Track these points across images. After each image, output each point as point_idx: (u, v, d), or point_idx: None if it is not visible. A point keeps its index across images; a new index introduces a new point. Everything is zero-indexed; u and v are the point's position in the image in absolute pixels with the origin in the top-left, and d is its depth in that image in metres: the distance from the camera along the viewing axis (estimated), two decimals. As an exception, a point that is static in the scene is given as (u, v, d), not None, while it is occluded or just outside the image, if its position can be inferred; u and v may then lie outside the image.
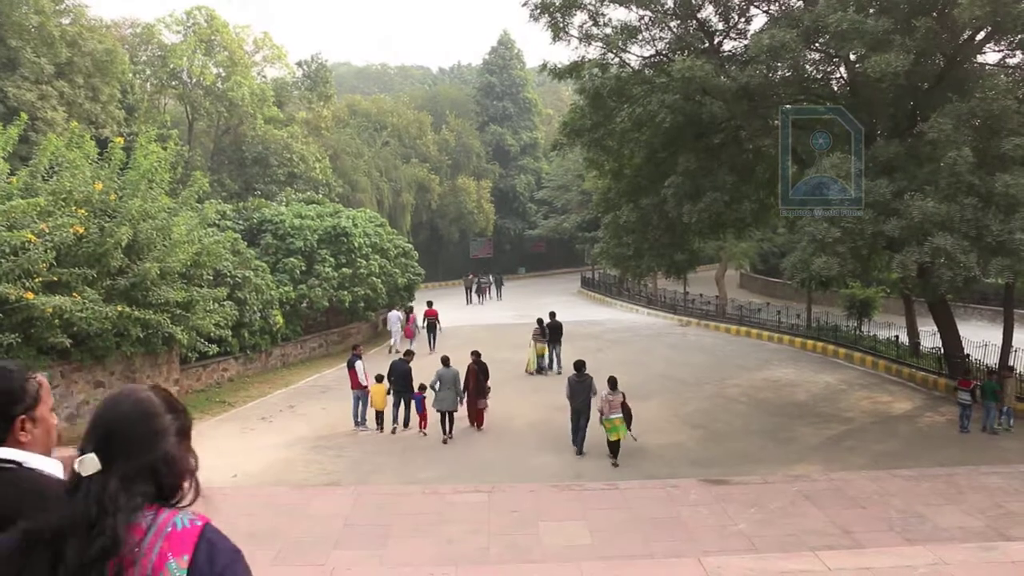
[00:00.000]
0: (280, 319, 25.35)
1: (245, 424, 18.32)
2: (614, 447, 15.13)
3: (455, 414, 17.07)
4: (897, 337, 24.40)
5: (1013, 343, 19.32)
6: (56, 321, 14.82)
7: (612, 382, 15.28)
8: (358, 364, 17.77)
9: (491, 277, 53.51)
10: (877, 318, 29.10)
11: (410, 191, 57.19)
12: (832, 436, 16.74)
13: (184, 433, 2.17)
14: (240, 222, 28.48)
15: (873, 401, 19.97)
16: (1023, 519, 10.00)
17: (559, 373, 23.82)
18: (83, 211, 16.30)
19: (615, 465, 14.92)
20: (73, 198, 16.42)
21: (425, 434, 17.24)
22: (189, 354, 19.80)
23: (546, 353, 24.81)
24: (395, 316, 30.45)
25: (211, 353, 20.12)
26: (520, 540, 9.28)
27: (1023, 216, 14.65)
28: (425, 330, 29.74)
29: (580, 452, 15.72)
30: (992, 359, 19.32)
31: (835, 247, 16.03)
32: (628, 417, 15.11)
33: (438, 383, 16.87)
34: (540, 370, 24.55)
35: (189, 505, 2.09)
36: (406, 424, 17.71)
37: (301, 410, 19.77)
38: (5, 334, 13.95)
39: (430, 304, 30.87)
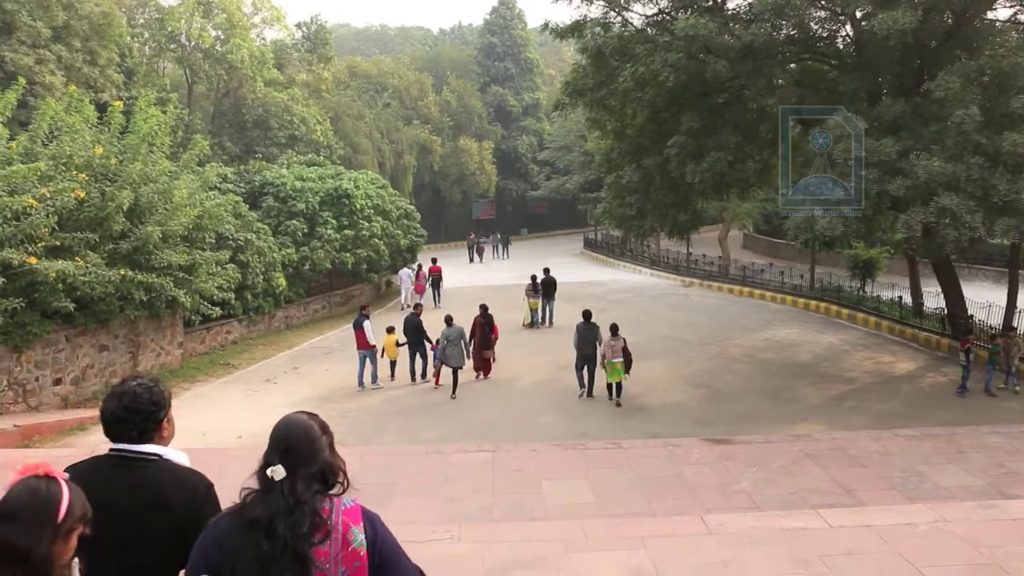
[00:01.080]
0: (283, 281, 25.38)
1: (249, 386, 18.41)
2: (616, 388, 16.42)
3: (460, 371, 17.39)
4: (900, 298, 24.37)
5: (1017, 304, 19.28)
6: (59, 286, 14.83)
7: (614, 329, 16.52)
8: (366, 324, 18.06)
9: (499, 236, 55.87)
10: (881, 279, 29.05)
11: (412, 153, 56.92)
12: (834, 396, 16.80)
13: (332, 445, 2.97)
14: (241, 185, 28.40)
15: (876, 361, 20.01)
16: (1024, 477, 10.07)
17: (551, 326, 25.68)
18: (84, 175, 16.24)
19: (618, 405, 16.11)
20: (73, 162, 16.35)
21: (438, 386, 17.82)
22: (192, 317, 19.84)
23: (539, 307, 26.15)
24: (406, 273, 32.16)
25: (214, 316, 20.16)
26: (524, 499, 9.36)
27: (1030, 176, 14.56)
28: (430, 286, 31.64)
29: (589, 394, 16.83)
30: (996, 320, 19.31)
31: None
32: (628, 361, 16.38)
33: (444, 341, 17.29)
34: (533, 324, 25.90)
35: (343, 493, 2.94)
36: (423, 376, 18.51)
37: (305, 371, 19.86)
38: (9, 299, 13.98)
39: (434, 261, 33.00)
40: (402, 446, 13.27)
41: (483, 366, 18.69)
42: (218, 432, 14.30)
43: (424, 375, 18.59)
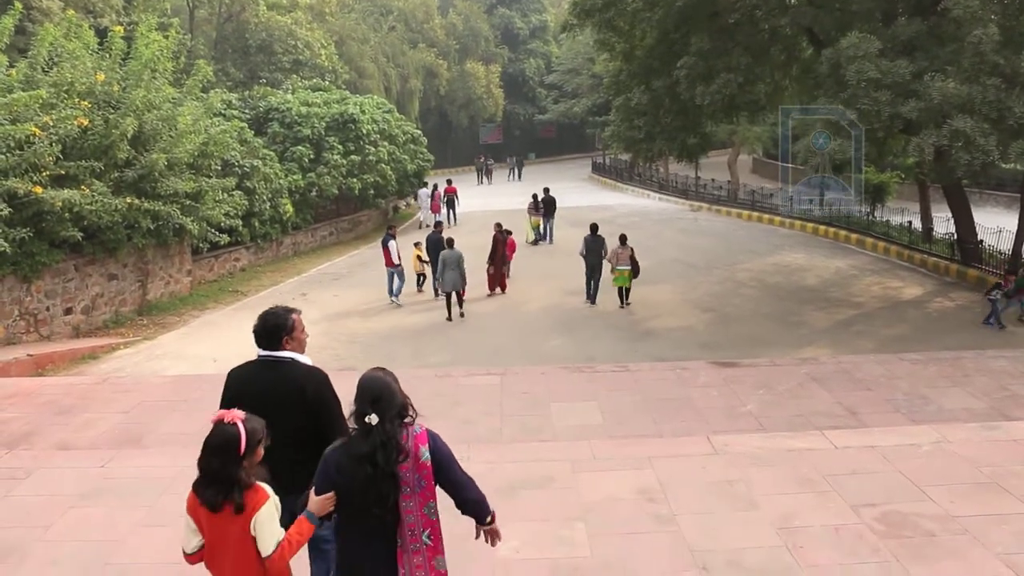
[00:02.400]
0: (290, 208, 25.33)
1: (258, 313, 18.48)
2: (623, 293, 17.90)
3: (463, 295, 17.68)
4: (910, 223, 24.20)
5: (1029, 229, 19.13)
6: (66, 215, 14.82)
7: (622, 238, 17.76)
8: (391, 243, 18.95)
9: (515, 159, 57.53)
10: (891, 203, 28.80)
11: (418, 77, 56.14)
12: (841, 320, 16.84)
13: (399, 388, 3.92)
14: (246, 111, 28.12)
15: (883, 286, 19.99)
16: (1028, 399, 10.13)
17: (551, 243, 27.39)
18: (86, 103, 16.08)
19: (628, 305, 17.84)
20: (75, 90, 16.18)
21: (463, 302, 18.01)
22: (200, 245, 19.86)
23: (540, 225, 27.76)
24: (424, 193, 33.96)
25: (222, 243, 20.19)
26: (532, 421, 9.48)
27: (1047, 97, 14.29)
28: (445, 205, 33.24)
29: (593, 302, 18.25)
30: (1006, 245, 19.17)
31: (850, 130, 15.75)
32: (635, 269, 17.63)
33: (443, 265, 17.32)
34: (536, 241, 27.46)
35: (413, 421, 3.95)
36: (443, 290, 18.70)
37: (313, 297, 19.95)
38: (17, 229, 13.99)
39: (449, 182, 35.21)
40: (411, 370, 13.40)
41: (500, 282, 19.56)
42: (229, 359, 14.36)
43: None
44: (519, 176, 55.33)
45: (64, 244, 15.52)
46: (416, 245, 20.35)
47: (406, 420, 3.91)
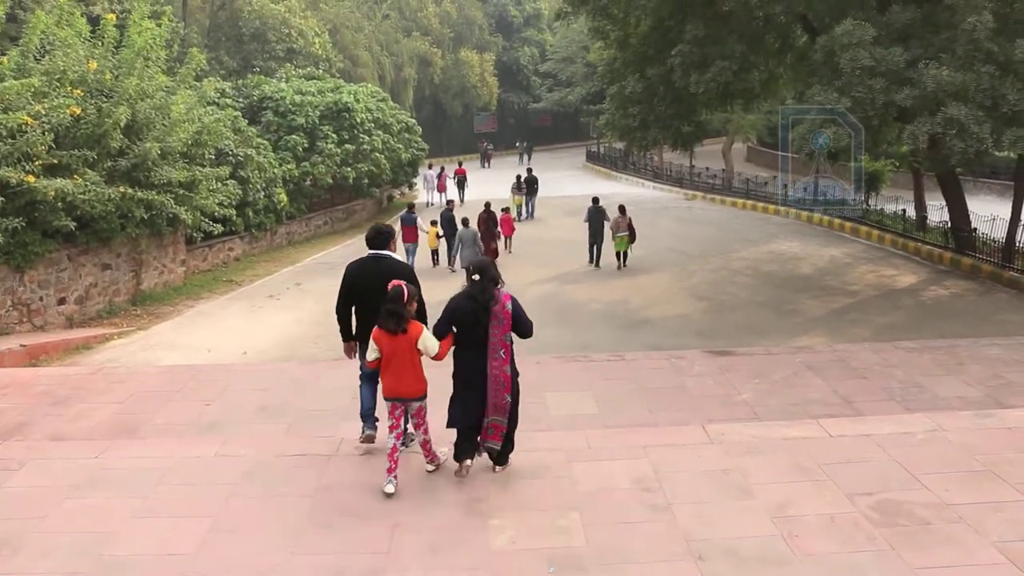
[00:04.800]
0: (284, 197, 25.26)
1: (253, 302, 18.49)
2: (622, 257, 20.71)
3: None
4: (904, 211, 24.22)
5: (1022, 217, 19.14)
6: (59, 204, 14.73)
7: (621, 208, 20.80)
8: (419, 220, 21.53)
9: (524, 144, 60.24)
10: (885, 192, 28.81)
11: (412, 65, 55.99)
12: (836, 309, 16.86)
13: (496, 266, 6.80)
14: (240, 100, 27.98)
15: (878, 275, 20.02)
16: (1021, 388, 10.14)
17: (532, 218, 30.85)
18: (79, 91, 15.96)
19: (624, 266, 20.58)
20: (68, 78, 16.05)
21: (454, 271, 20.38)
22: (194, 234, 19.79)
23: (523, 203, 30.73)
24: (431, 174, 37.17)
25: (216, 233, 20.10)
26: (527, 410, 9.38)
27: (1041, 85, 14.27)
28: (456, 185, 35.97)
29: (597, 266, 21.07)
30: (999, 234, 19.20)
31: (844, 117, 15.72)
32: (632, 235, 20.45)
33: (459, 243, 19.96)
34: (519, 217, 29.51)
35: (502, 286, 6.64)
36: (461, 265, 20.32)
37: (308, 287, 19.92)
38: (9, 218, 13.90)
39: (460, 164, 39.77)
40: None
41: (491, 255, 20.64)
42: (223, 348, 14.42)
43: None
44: (529, 160, 55.79)
45: (57, 234, 15.44)
46: (433, 223, 22.08)
47: (498, 285, 6.60)
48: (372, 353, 6.59)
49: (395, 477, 6.61)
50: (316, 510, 6.44)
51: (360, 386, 7.62)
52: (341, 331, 7.60)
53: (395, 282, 6.47)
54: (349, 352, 7.73)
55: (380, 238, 7.33)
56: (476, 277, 6.49)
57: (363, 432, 7.58)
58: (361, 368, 7.47)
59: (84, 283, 16.58)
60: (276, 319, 16.68)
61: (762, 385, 10.42)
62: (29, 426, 9.34)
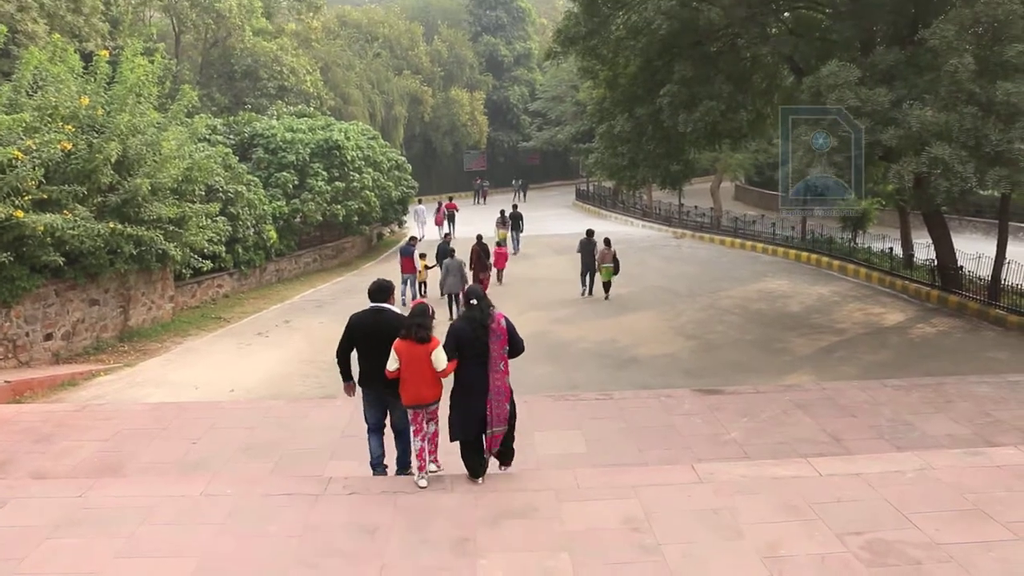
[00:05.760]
0: (273, 234, 25.25)
1: (241, 339, 18.41)
2: (606, 286, 21.88)
3: (459, 296, 19.50)
4: (891, 249, 24.38)
5: (1007, 255, 19.31)
6: (48, 239, 14.69)
7: (607, 241, 22.13)
8: (416, 253, 22.11)
9: (520, 182, 60.86)
10: (871, 230, 29.01)
11: (402, 103, 56.34)
12: (824, 347, 16.90)
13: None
14: (231, 136, 28.08)
15: (866, 312, 20.10)
16: (1009, 426, 10.18)
17: (515, 253, 30.99)
18: (70, 127, 15.99)
19: (606, 299, 21.71)
20: (59, 113, 16.09)
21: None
22: (183, 271, 19.73)
23: (508, 237, 30.80)
24: (423, 209, 38.61)
25: (205, 269, 20.06)
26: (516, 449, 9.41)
27: (1023, 125, 14.44)
28: (447, 220, 37.48)
29: (590, 293, 22.35)
30: (985, 271, 19.34)
31: (831, 156, 15.89)
32: (616, 266, 21.68)
33: (445, 271, 20.14)
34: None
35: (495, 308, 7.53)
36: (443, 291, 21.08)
37: (297, 325, 19.85)
38: (-2, 253, 13.87)
39: (450, 199, 42.63)
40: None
41: (481, 285, 21.31)
42: (210, 386, 14.32)
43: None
44: (524, 198, 57.22)
45: (45, 269, 15.37)
46: (422, 256, 22.60)
47: (491, 306, 7.48)
48: (393, 363, 7.39)
49: (427, 473, 7.58)
50: (303, 550, 6.37)
51: (368, 438, 8.28)
52: (342, 373, 8.23)
53: (421, 300, 7.50)
54: (349, 391, 8.36)
55: (381, 293, 7.98)
56: (474, 301, 7.41)
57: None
58: (367, 420, 8.19)
59: (71, 319, 16.49)
60: (264, 357, 16.59)
61: (751, 424, 10.41)
62: (10, 464, 9.23)
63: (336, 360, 8.20)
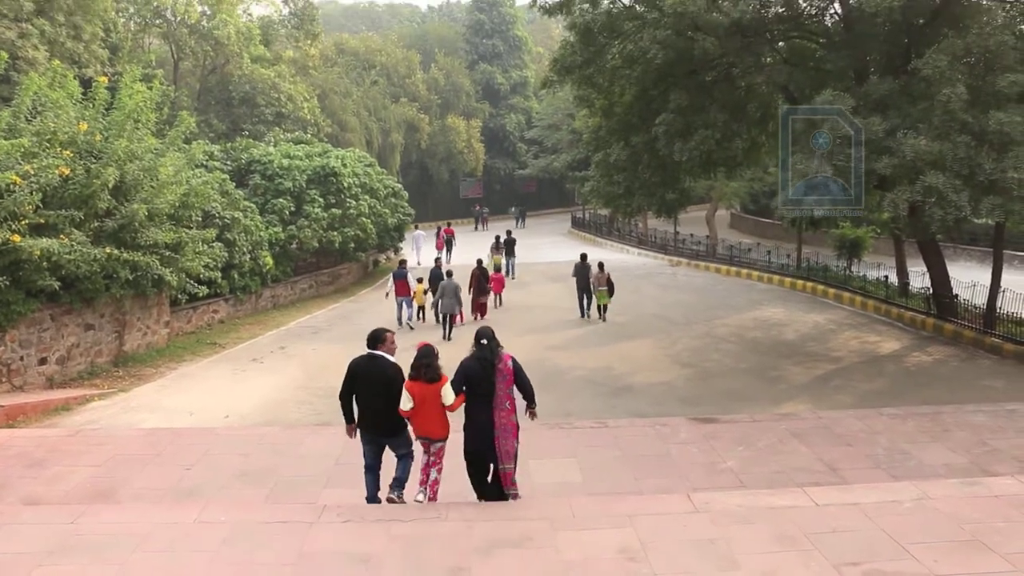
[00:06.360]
0: (270, 260, 25.26)
1: (236, 365, 18.35)
2: (601, 309, 22.71)
3: (455, 317, 21.21)
4: (887, 277, 24.46)
5: (1002, 283, 19.38)
6: (44, 264, 14.68)
7: (600, 265, 22.81)
8: (409, 276, 22.37)
9: (518, 209, 61.97)
10: (867, 258, 29.12)
11: (399, 131, 56.64)
12: (820, 375, 16.89)
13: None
14: (228, 163, 28.14)
15: (861, 341, 20.11)
16: (1006, 456, 10.16)
17: (513, 278, 31.35)
18: (68, 152, 16.04)
19: (603, 320, 22.53)
20: (58, 139, 16.15)
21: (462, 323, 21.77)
22: (179, 296, 19.72)
23: (503, 262, 31.19)
24: (422, 235, 40.10)
25: (201, 295, 20.05)
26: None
27: (1016, 154, 14.49)
28: (444, 244, 38.73)
29: (587, 316, 22.95)
30: (980, 299, 19.39)
31: (830, 181, 15.99)
32: (611, 289, 22.49)
33: (441, 292, 20.97)
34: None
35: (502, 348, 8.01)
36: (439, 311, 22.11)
37: (292, 351, 19.81)
38: (-7, 277, 13.85)
39: (448, 224, 43.71)
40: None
41: (480, 309, 23.17)
42: (205, 412, 14.26)
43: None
44: (523, 224, 58.47)
45: (41, 293, 15.34)
46: (419, 281, 23.07)
47: (500, 347, 7.91)
48: (407, 403, 7.88)
49: (426, 488, 8.15)
50: (296, 579, 6.31)
51: (365, 475, 8.51)
52: (344, 415, 8.42)
53: (425, 343, 8.17)
54: (350, 433, 8.51)
55: (375, 341, 8.34)
56: (484, 342, 7.85)
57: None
58: (365, 457, 8.44)
59: (66, 343, 16.44)
60: (259, 383, 16.54)
61: (747, 453, 10.39)
62: (3, 489, 9.17)
63: (340, 403, 8.44)
